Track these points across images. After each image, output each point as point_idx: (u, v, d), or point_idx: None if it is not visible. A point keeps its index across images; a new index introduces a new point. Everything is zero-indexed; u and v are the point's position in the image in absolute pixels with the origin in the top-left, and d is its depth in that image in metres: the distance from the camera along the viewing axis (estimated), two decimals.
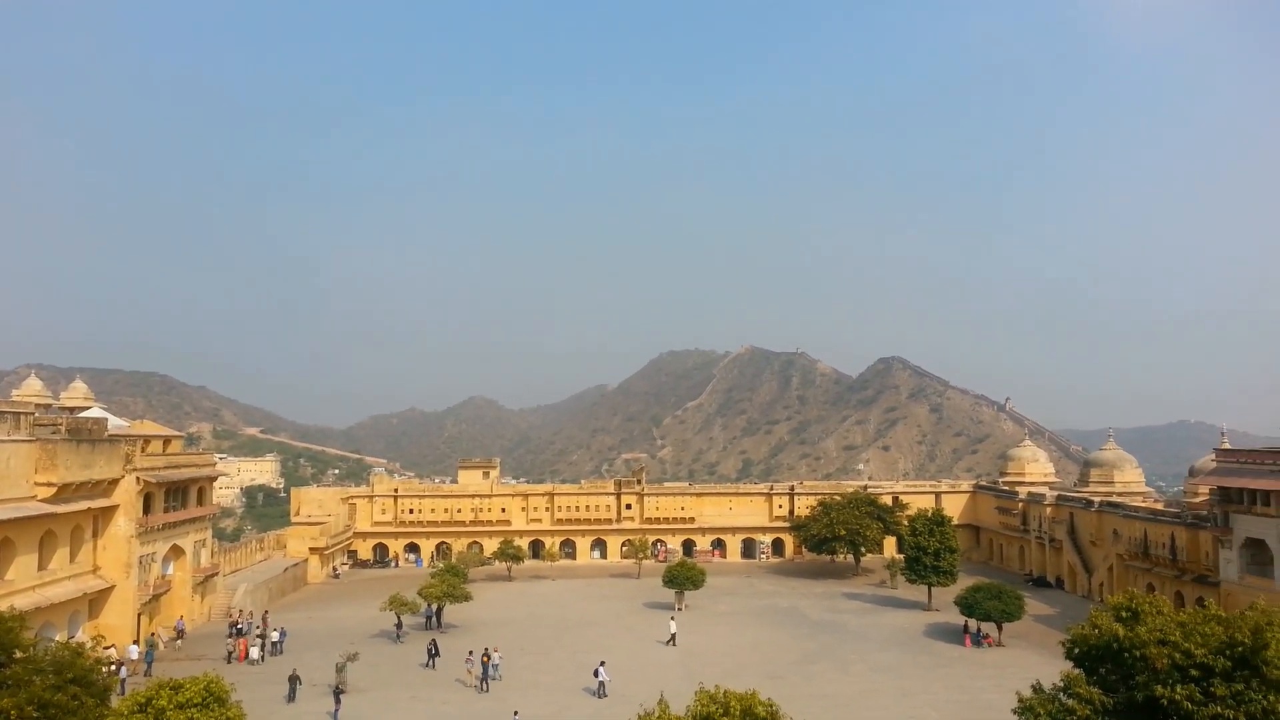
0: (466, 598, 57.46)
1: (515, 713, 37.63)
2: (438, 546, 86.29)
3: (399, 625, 54.70)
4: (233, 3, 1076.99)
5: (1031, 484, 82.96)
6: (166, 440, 59.58)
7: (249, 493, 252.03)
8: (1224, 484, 51.83)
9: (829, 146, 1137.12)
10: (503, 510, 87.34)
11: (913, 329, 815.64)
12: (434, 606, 56.73)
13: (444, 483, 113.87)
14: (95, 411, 64.95)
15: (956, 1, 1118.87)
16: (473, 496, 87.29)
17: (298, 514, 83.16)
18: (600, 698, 41.08)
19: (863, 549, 77.19)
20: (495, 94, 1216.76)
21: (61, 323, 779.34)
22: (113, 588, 49.46)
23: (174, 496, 56.66)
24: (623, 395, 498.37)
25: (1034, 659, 47.67)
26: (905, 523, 70.83)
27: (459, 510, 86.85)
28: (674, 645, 51.37)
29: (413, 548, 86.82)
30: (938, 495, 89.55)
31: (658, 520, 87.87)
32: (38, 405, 56.05)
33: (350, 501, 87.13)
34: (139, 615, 51.13)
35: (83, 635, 45.21)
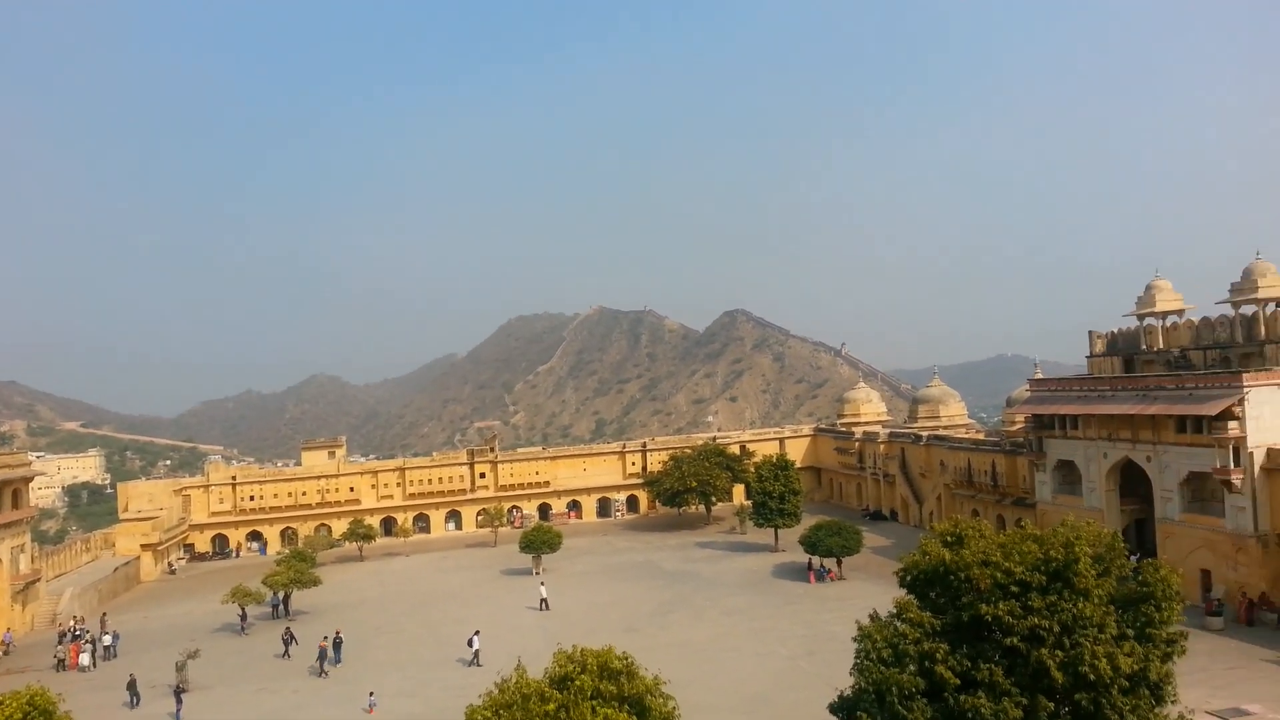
0: (315, 582, 55.67)
1: (370, 693, 36.88)
2: (283, 533, 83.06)
3: (242, 617, 52.50)
4: None
5: (866, 424, 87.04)
6: None
7: (71, 491, 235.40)
8: (1037, 411, 55.79)
9: (665, 107, 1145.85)
10: (351, 490, 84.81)
11: (755, 281, 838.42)
12: (280, 594, 54.69)
13: (287, 466, 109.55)
14: None
15: None
16: (318, 478, 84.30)
17: (126, 510, 78.30)
18: (474, 666, 40.81)
19: (713, 499, 79.23)
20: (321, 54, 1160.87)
21: None
22: None
23: None
24: (473, 363, 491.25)
25: (872, 589, 50.27)
26: (752, 470, 73.10)
27: (304, 493, 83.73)
28: (546, 609, 51.47)
29: (256, 536, 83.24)
30: (782, 441, 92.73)
31: (513, 487, 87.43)
32: None
33: (184, 493, 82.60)
34: None
35: None
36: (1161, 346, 52.07)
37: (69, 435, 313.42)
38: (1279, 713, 30.14)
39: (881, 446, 79.63)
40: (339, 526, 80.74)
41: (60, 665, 45.61)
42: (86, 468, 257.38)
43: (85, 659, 45.76)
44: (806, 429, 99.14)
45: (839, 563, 56.58)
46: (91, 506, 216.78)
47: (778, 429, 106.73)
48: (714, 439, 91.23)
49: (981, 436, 71.56)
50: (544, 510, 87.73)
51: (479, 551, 74.22)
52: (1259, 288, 46.12)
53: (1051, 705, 20.13)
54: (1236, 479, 42.33)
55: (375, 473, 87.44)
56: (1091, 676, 19.60)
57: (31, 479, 59.21)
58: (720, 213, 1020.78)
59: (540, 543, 62.95)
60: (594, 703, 19.96)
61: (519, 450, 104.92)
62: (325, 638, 44.07)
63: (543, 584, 54.39)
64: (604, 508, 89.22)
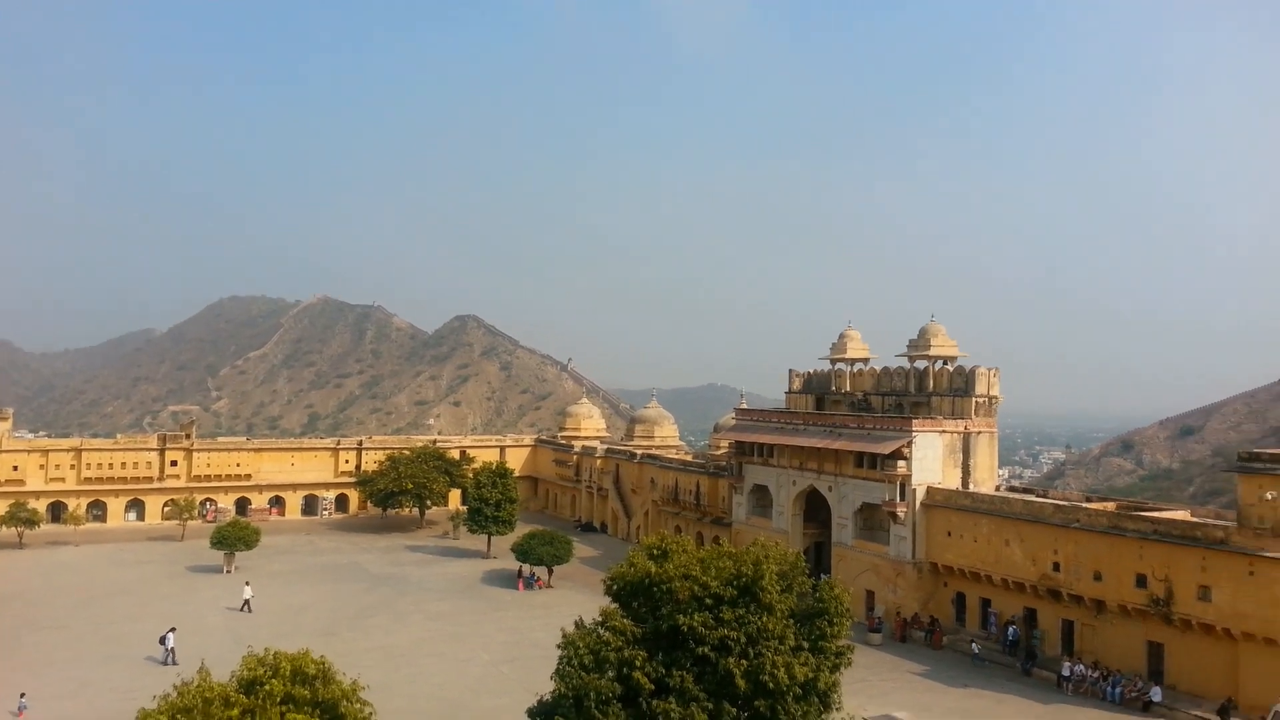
0: None
1: (21, 695, 33.01)
2: None
3: None
4: None
5: (586, 438, 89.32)
6: None
7: None
8: (740, 439, 59.94)
9: (409, 104, 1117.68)
10: (15, 469, 75.16)
11: (490, 289, 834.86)
12: None
13: None
14: None
15: None
16: None
17: None
18: (169, 665, 37.75)
19: (428, 502, 78.00)
20: None
21: None
22: None
23: None
24: (174, 341, 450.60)
25: (579, 597, 51.69)
26: (471, 476, 72.79)
27: None
28: (249, 611, 48.27)
29: None
30: (502, 449, 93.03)
31: (209, 478, 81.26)
32: None
33: None
34: None
35: None
36: (849, 389, 57.73)
37: None
38: (921, 719, 34.27)
39: (598, 461, 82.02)
40: None
41: None
42: None
43: None
44: (528, 439, 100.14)
45: (549, 571, 57.62)
46: None
47: (499, 437, 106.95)
48: (434, 442, 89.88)
49: (690, 458, 75.63)
50: (242, 505, 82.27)
51: (163, 545, 68.33)
52: (931, 346, 52.43)
53: (734, 710, 21.80)
54: (901, 512, 47.72)
55: (46, 451, 78.16)
56: (771, 684, 21.46)
57: None
58: (461, 215, 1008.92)
59: (234, 539, 59.04)
60: (284, 708, 19.20)
61: (220, 439, 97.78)
62: None
63: (248, 583, 51.07)
64: (310, 506, 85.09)
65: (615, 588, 24.73)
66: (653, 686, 21.73)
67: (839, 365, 58.70)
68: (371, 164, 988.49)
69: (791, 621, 23.15)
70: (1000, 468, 56.05)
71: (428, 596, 53.56)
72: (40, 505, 73.19)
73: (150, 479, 79.14)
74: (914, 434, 47.88)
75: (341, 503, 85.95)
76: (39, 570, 58.55)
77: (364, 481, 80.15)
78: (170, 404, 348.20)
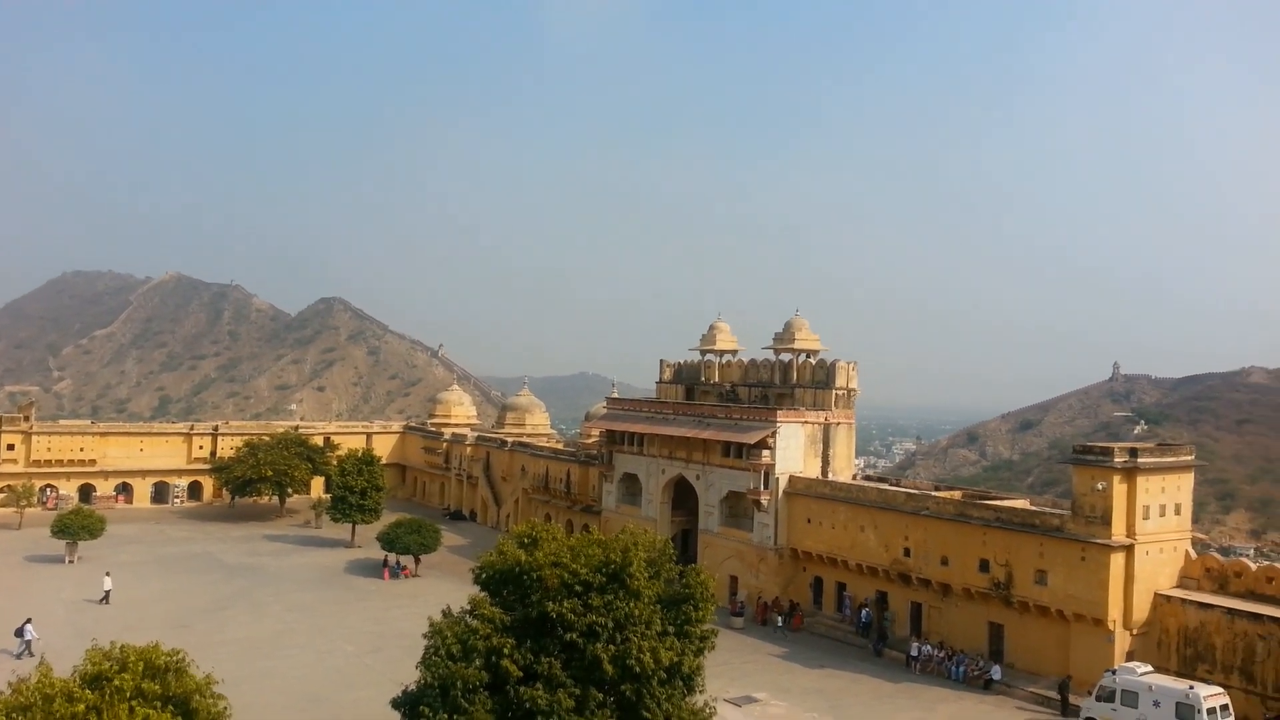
0: None
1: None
2: None
3: None
4: None
5: (456, 425, 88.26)
6: None
7: None
8: (611, 428, 60.46)
9: (268, 73, 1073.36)
10: None
11: (357, 271, 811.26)
12: None
13: None
14: None
15: None
16: None
17: None
18: (25, 658, 35.54)
19: (289, 490, 75.55)
20: None
21: None
22: None
23: None
24: (10, 317, 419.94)
25: (447, 586, 51.13)
26: (335, 463, 70.90)
27: None
28: (108, 603, 45.82)
29: None
30: (369, 436, 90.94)
31: (49, 463, 76.43)
32: None
33: None
34: None
35: None
36: (717, 380, 59.03)
37: None
38: (779, 700, 35.52)
39: (469, 448, 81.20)
40: None
41: None
42: None
43: None
44: (396, 426, 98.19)
45: (416, 560, 56.80)
46: None
47: (366, 423, 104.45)
48: (296, 428, 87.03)
49: (561, 447, 75.78)
50: (86, 492, 77.74)
51: None
52: (795, 340, 54.15)
53: (601, 695, 22.12)
54: (764, 500, 49.20)
55: None
56: (637, 669, 21.87)
57: None
58: (327, 193, 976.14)
59: (77, 528, 55.84)
60: (134, 702, 18.44)
61: (62, 422, 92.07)
62: None
63: (108, 573, 48.40)
64: (161, 493, 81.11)
65: (484, 576, 24.66)
66: (521, 674, 21.84)
67: (708, 356, 59.90)
68: (228, 134, 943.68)
69: (658, 607, 23.63)
70: (857, 457, 58.42)
71: (288, 587, 51.99)
72: None
73: None
74: (778, 424, 49.38)
75: (195, 490, 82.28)
76: None
77: (220, 468, 76.97)
78: (7, 384, 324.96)
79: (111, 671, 18.94)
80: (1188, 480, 38.80)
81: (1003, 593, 39.28)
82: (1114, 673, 32.93)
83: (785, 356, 54.84)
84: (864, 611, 45.41)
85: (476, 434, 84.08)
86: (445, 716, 20.99)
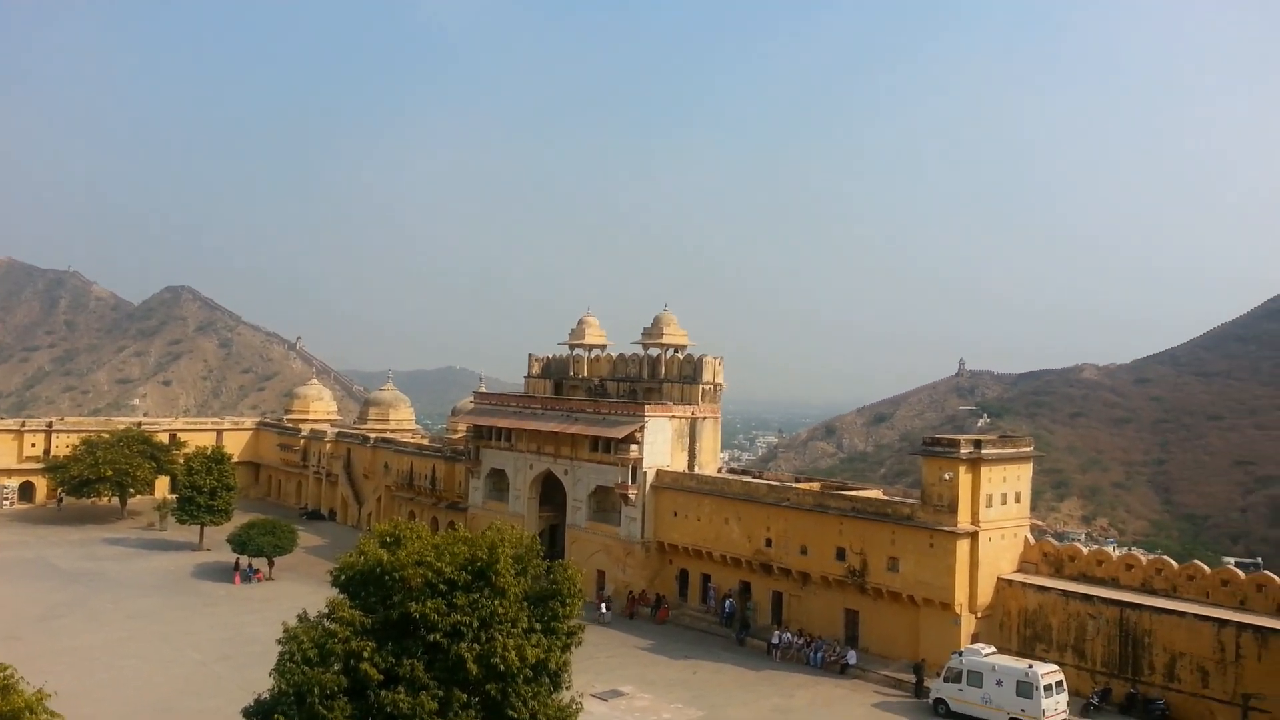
0: None
1: None
2: None
3: None
4: None
5: (315, 421, 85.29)
6: None
7: None
8: (478, 423, 59.63)
9: (114, 48, 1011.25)
10: None
11: (207, 258, 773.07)
12: None
13: None
14: None
15: None
16: None
17: None
18: None
19: (131, 490, 71.36)
20: None
21: None
22: None
23: None
24: None
25: (304, 589, 49.38)
26: (182, 461, 67.35)
27: None
28: None
29: None
30: (220, 432, 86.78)
31: None
32: None
33: None
34: None
35: None
36: (586, 375, 59.04)
37: None
38: (646, 693, 35.83)
39: (328, 445, 78.60)
40: None
41: None
42: None
43: None
44: (249, 422, 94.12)
45: (270, 563, 54.58)
46: None
47: (217, 419, 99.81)
48: (139, 424, 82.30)
49: (426, 442, 74.29)
50: None
51: None
52: (664, 334, 54.71)
53: (465, 696, 21.74)
54: (632, 494, 49.52)
55: None
56: (502, 667, 21.59)
57: None
58: (174, 174, 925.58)
59: None
60: None
61: None
62: None
63: None
64: None
65: (343, 577, 23.86)
66: (381, 677, 21.23)
67: (577, 351, 59.82)
68: (63, 108, 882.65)
69: (525, 604, 23.40)
70: (722, 451, 59.50)
71: (129, 593, 49.10)
72: None
73: None
74: (646, 419, 49.77)
75: (26, 491, 76.73)
76: None
77: (54, 467, 72.02)
78: None
79: None
80: (1027, 470, 41.19)
81: (858, 580, 40.75)
82: (960, 654, 34.66)
83: (653, 351, 55.31)
84: (728, 602, 46.31)
85: (337, 430, 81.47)
86: None
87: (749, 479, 50.43)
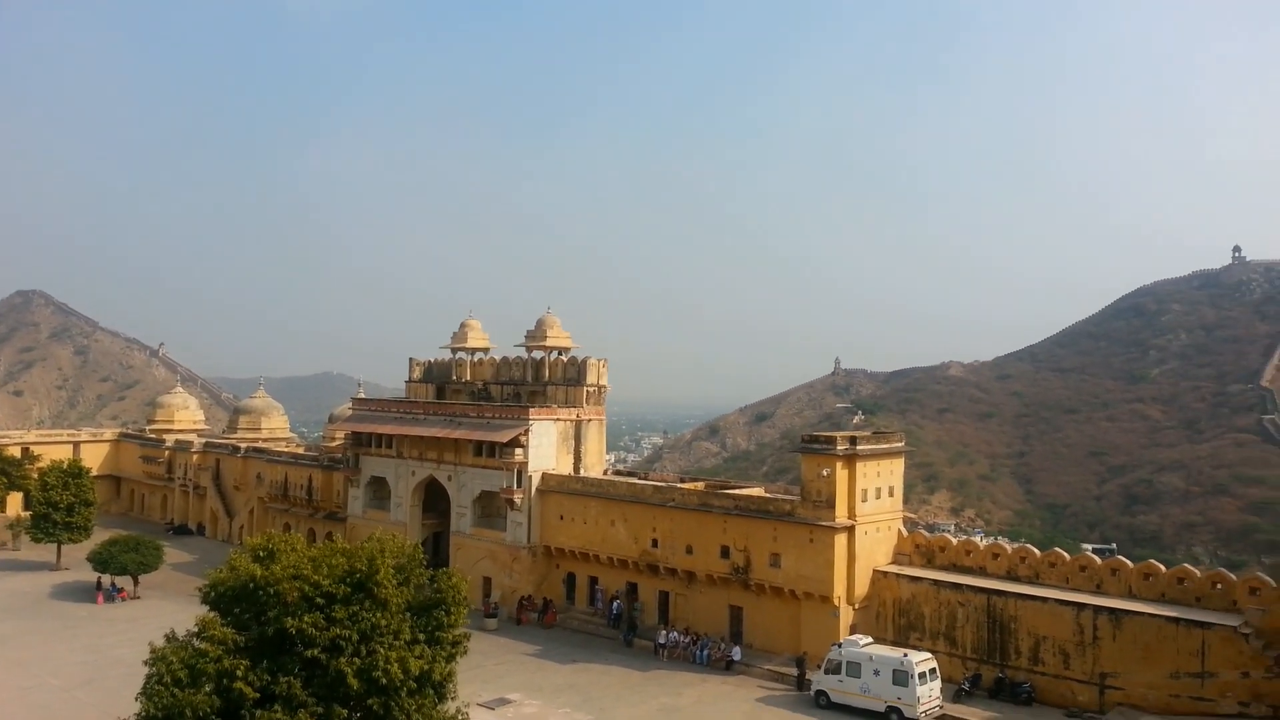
0: None
1: None
2: None
3: None
4: None
5: (181, 432, 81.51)
6: None
7: None
8: (357, 429, 58.10)
9: None
10: None
11: (60, 262, 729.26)
12: None
13: None
14: None
15: None
16: None
17: None
18: None
19: None
20: None
21: None
22: None
23: None
24: None
25: (172, 608, 47.06)
26: (36, 476, 63.32)
27: None
28: None
29: None
30: (77, 445, 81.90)
31: None
32: None
33: None
34: None
35: None
36: (469, 378, 58.27)
37: None
38: (534, 699, 35.54)
39: (195, 457, 75.21)
40: None
41: None
42: None
43: None
44: (109, 433, 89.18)
45: (135, 581, 51.86)
46: None
47: (73, 431, 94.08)
48: None
49: (302, 451, 71.95)
50: None
51: None
52: (548, 337, 54.50)
53: (345, 711, 21.14)
54: (518, 498, 49.11)
55: None
56: (384, 681, 21.08)
57: None
58: (23, 174, 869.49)
59: None
60: None
61: None
62: None
63: None
64: None
65: (214, 594, 22.87)
66: (257, 695, 20.45)
67: (460, 354, 58.97)
68: None
69: (408, 615, 22.91)
70: (607, 452, 59.64)
71: None
72: None
73: None
74: (531, 422, 49.44)
75: None
76: None
77: None
78: None
79: None
80: (899, 465, 42.75)
81: (742, 577, 41.47)
82: (839, 646, 35.69)
83: (537, 354, 55.00)
84: (615, 604, 46.43)
85: (204, 440, 78.02)
86: None
87: (635, 480, 50.68)
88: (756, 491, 46.68)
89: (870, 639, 36.68)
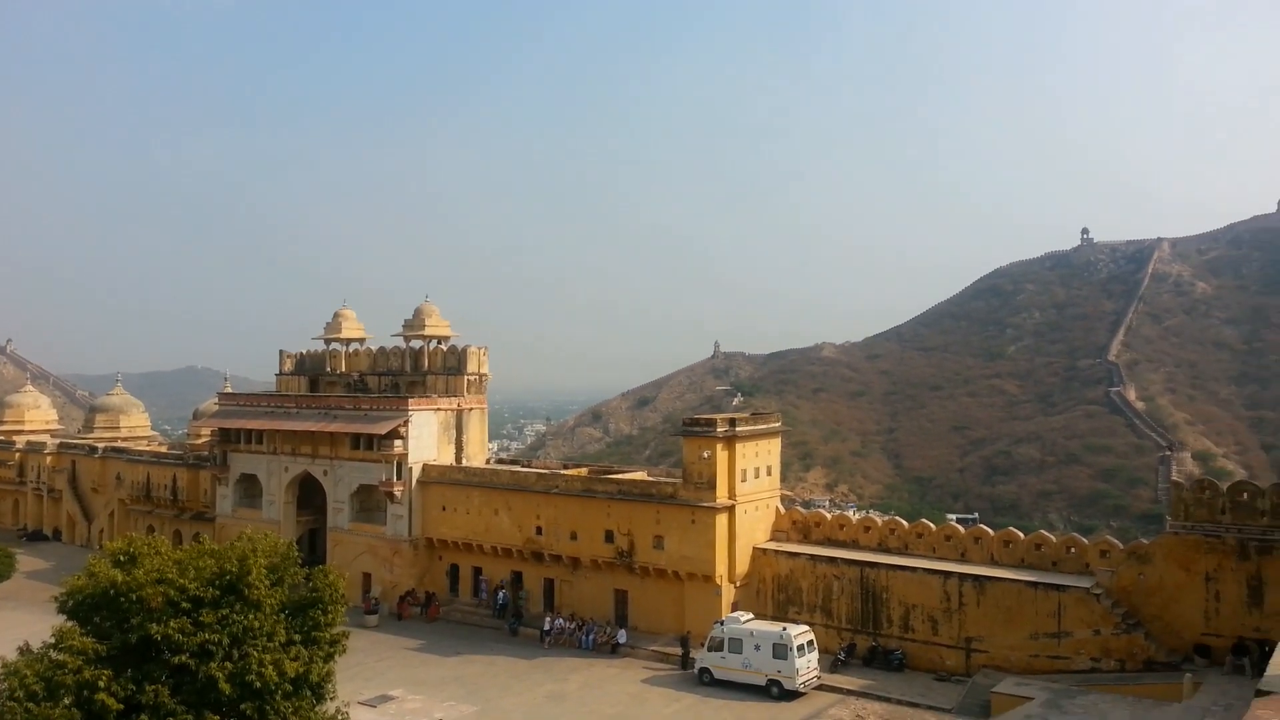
0: None
1: None
2: None
3: None
4: None
5: (32, 432, 76.65)
6: None
7: None
8: (224, 425, 55.85)
9: None
10: None
11: None
12: None
13: None
14: None
15: None
16: None
17: None
18: None
19: None
20: None
21: None
22: None
23: None
24: None
25: (27, 619, 44.23)
26: None
27: None
28: None
29: None
30: None
31: None
32: None
33: None
34: None
35: None
36: (344, 370, 56.73)
37: None
38: (417, 695, 35.05)
39: (48, 458, 70.91)
40: None
41: None
42: None
43: None
44: None
45: None
46: None
47: None
48: None
49: (165, 449, 68.77)
50: None
51: None
52: (426, 326, 53.54)
53: (218, 718, 20.38)
54: (398, 491, 48.19)
55: None
56: (258, 684, 20.41)
57: None
58: None
59: None
60: None
61: None
62: None
63: None
64: None
65: (71, 603, 21.67)
66: (121, 707, 19.51)
67: (334, 345, 57.33)
68: None
69: (282, 616, 22.22)
70: (490, 441, 59.19)
71: None
72: None
73: None
74: (410, 413, 48.54)
75: None
76: None
77: None
78: None
79: None
80: (776, 444, 43.88)
81: (626, 560, 41.86)
82: (722, 623, 36.47)
83: (416, 343, 53.97)
84: (500, 593, 46.16)
85: (59, 441, 73.63)
86: None
87: (518, 468, 50.45)
88: (639, 475, 47.13)
89: (751, 615, 37.61)
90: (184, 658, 20.30)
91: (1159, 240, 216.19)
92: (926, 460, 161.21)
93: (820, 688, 34.84)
